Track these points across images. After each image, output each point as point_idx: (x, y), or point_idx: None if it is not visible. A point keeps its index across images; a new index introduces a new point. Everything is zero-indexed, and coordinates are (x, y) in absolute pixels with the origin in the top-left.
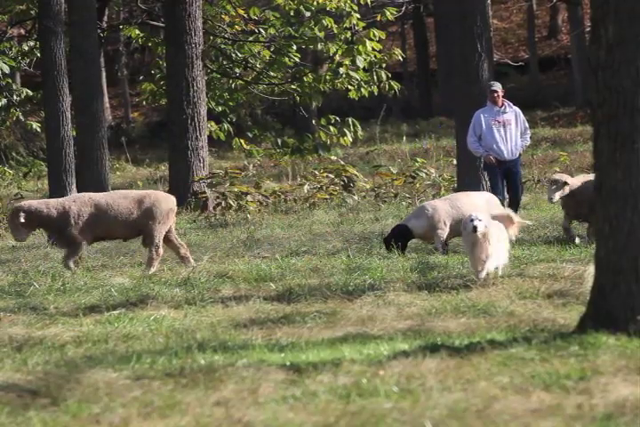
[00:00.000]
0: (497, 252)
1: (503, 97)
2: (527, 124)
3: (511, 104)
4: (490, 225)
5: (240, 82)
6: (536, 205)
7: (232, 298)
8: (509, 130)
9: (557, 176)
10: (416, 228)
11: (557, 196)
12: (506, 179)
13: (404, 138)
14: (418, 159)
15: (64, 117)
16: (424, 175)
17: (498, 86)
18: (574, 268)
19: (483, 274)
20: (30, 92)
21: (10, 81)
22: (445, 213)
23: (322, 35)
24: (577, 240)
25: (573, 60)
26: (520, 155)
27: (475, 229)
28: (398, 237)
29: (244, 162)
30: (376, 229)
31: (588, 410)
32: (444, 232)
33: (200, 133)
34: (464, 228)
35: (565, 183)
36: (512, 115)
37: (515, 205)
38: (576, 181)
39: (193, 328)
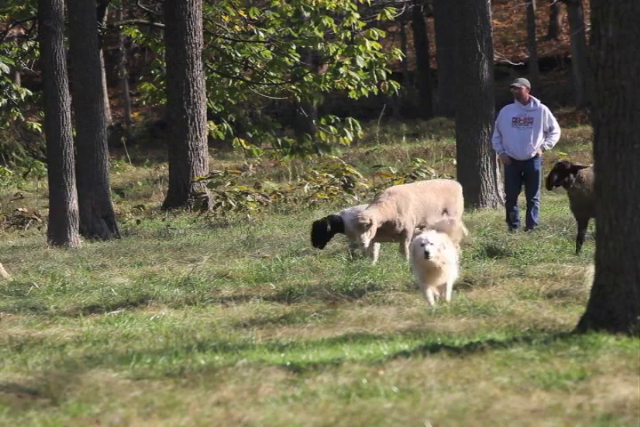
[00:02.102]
0: (452, 269)
1: (530, 94)
2: (555, 124)
3: (537, 101)
4: (441, 246)
5: (240, 82)
6: None
7: (232, 298)
8: (529, 129)
9: (362, 220)
10: (350, 226)
11: (367, 238)
12: (524, 179)
13: (404, 138)
14: (418, 159)
15: (64, 117)
16: (424, 175)
17: (519, 82)
18: (574, 268)
19: (448, 296)
20: (30, 92)
21: (10, 81)
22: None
23: (322, 35)
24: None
25: (573, 60)
26: (538, 155)
27: (427, 255)
28: (328, 226)
29: (243, 162)
30: None
31: (588, 410)
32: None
33: (200, 133)
34: (414, 253)
35: (370, 224)
36: (537, 113)
37: (530, 206)
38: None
39: (193, 328)
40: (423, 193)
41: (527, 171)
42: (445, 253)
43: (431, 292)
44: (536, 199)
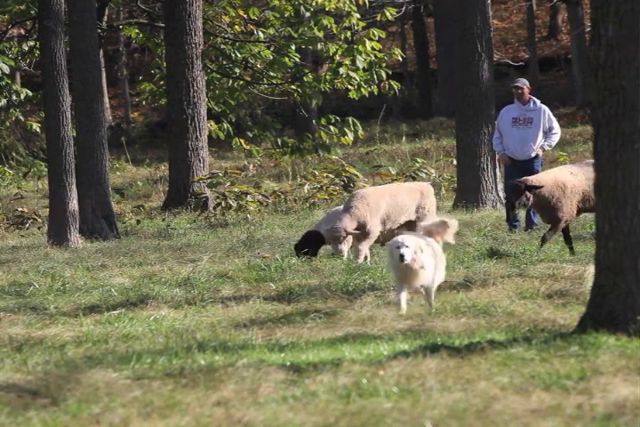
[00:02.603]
0: (431, 273)
1: (530, 94)
2: (555, 124)
3: (537, 101)
4: (418, 248)
5: (240, 82)
6: None
7: (232, 298)
8: (529, 129)
9: (336, 233)
10: (327, 237)
11: (345, 249)
12: None
13: (404, 138)
14: (418, 159)
15: (64, 117)
16: (424, 175)
17: (521, 82)
18: (574, 268)
19: (432, 302)
20: (30, 93)
21: (10, 81)
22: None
23: (322, 35)
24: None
25: (573, 60)
26: (538, 155)
27: (402, 258)
28: (309, 244)
29: (244, 162)
30: None
31: (588, 410)
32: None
33: (200, 133)
34: (390, 255)
35: (346, 236)
36: (537, 113)
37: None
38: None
39: (193, 328)
40: (396, 195)
41: (527, 171)
42: (423, 256)
43: (405, 295)
44: None
